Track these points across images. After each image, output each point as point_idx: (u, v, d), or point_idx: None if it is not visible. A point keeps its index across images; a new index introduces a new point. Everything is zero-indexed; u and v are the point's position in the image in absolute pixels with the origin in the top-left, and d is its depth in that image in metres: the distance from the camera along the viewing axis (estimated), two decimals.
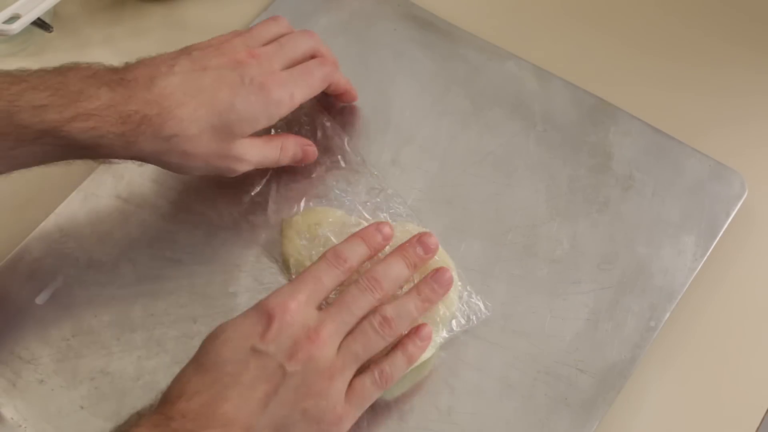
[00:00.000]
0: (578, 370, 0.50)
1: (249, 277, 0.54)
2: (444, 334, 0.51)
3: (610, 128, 0.59)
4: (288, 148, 0.55)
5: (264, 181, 0.58)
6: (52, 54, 0.66)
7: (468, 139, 0.59)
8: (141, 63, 0.50)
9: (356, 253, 0.49)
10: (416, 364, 0.49)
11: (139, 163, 0.59)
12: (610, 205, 0.56)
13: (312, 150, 0.57)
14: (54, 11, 0.67)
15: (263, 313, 0.45)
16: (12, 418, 0.50)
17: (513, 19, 0.68)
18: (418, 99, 0.61)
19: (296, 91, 0.53)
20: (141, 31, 0.69)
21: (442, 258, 0.53)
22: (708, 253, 0.54)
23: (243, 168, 0.53)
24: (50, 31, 0.65)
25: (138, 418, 0.45)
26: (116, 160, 0.50)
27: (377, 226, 0.50)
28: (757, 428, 0.50)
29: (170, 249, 0.56)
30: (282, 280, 0.54)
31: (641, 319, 0.51)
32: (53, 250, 0.56)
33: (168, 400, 0.43)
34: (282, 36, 0.56)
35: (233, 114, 0.50)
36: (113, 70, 0.49)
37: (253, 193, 0.57)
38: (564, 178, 0.57)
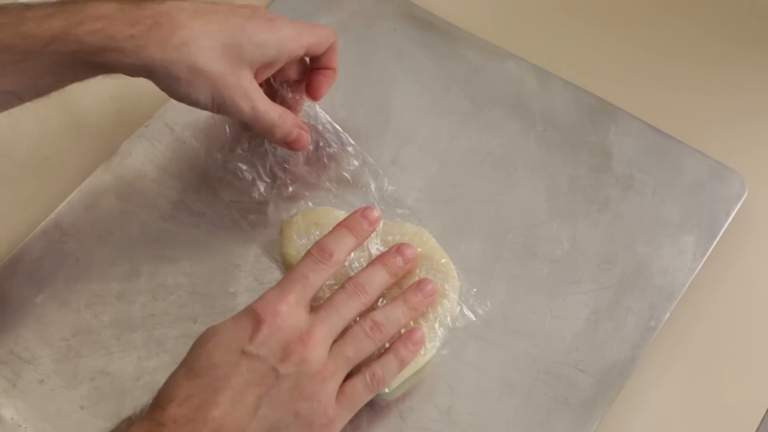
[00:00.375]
0: (578, 370, 0.50)
1: (249, 277, 0.54)
2: (443, 332, 0.51)
3: (610, 128, 0.59)
4: (287, 120, 0.53)
5: (265, 181, 0.58)
6: None
7: (468, 139, 0.59)
8: None
9: (343, 244, 0.48)
10: (416, 368, 0.49)
11: (141, 164, 0.59)
12: (610, 205, 0.56)
13: (305, 137, 0.55)
14: None
15: (253, 316, 0.45)
16: (12, 418, 0.50)
17: (513, 19, 0.68)
18: (418, 99, 0.61)
19: (305, 33, 0.52)
20: None
21: (441, 257, 0.53)
22: (708, 253, 0.54)
23: (246, 107, 0.50)
24: None
25: (129, 424, 0.44)
26: (124, 76, 0.49)
27: (362, 212, 0.50)
28: (757, 428, 0.50)
29: (170, 249, 0.56)
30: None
31: (641, 319, 0.51)
32: (53, 250, 0.56)
33: (159, 405, 0.43)
34: None
35: (244, 36, 0.49)
36: None
37: (253, 194, 0.57)
38: (564, 178, 0.57)
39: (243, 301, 0.53)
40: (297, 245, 0.54)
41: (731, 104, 0.62)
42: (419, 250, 0.52)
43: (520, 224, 0.55)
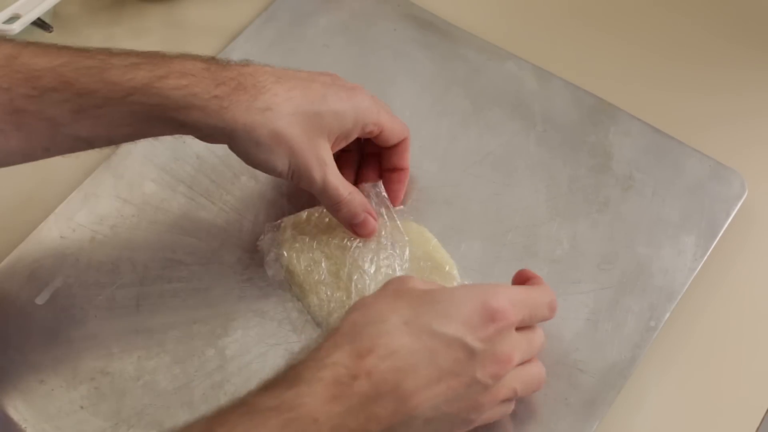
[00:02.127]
0: (578, 370, 0.50)
1: (248, 276, 0.54)
2: None
3: (610, 128, 0.59)
4: (354, 200, 0.51)
5: (262, 178, 0.58)
6: None
7: (468, 139, 0.59)
8: None
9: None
10: None
11: (140, 164, 0.59)
12: (610, 205, 0.56)
13: (372, 223, 0.52)
14: (54, 11, 0.67)
15: (486, 310, 0.43)
16: (12, 418, 0.50)
17: (513, 19, 0.68)
18: (418, 99, 0.61)
19: (383, 111, 0.52)
20: (141, 31, 0.69)
21: (443, 257, 0.53)
22: (708, 253, 0.54)
23: (318, 177, 0.49)
24: (50, 31, 0.65)
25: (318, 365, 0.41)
26: (198, 140, 0.48)
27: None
28: (757, 428, 0.50)
29: (170, 249, 0.56)
30: (281, 279, 0.54)
31: (641, 319, 0.51)
32: (53, 250, 0.56)
33: (357, 350, 0.40)
34: None
35: (324, 104, 0.49)
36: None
37: (252, 193, 0.57)
38: (564, 178, 0.57)
39: (243, 301, 0.53)
40: (296, 246, 0.54)
41: (731, 104, 0.62)
42: (421, 249, 0.52)
43: (520, 224, 0.55)
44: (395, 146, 0.54)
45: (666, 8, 0.67)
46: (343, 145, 0.52)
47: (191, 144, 0.60)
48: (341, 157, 0.54)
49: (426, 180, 0.58)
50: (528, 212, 0.56)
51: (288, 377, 0.40)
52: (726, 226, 0.54)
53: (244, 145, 0.48)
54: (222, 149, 0.59)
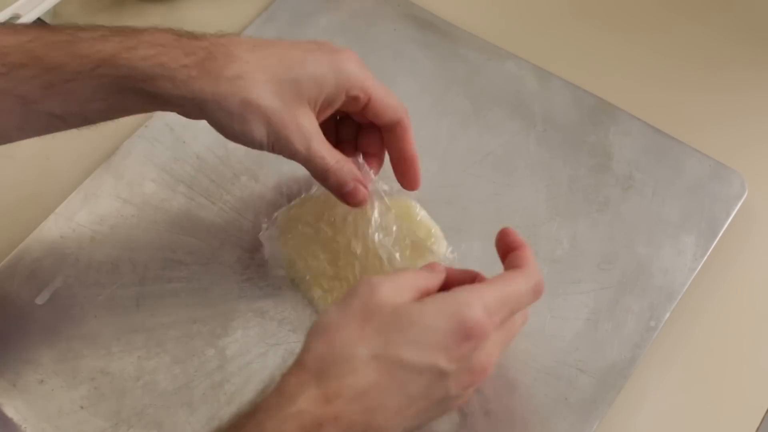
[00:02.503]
0: (578, 370, 0.50)
1: (248, 276, 0.54)
2: None
3: (610, 128, 0.59)
4: (343, 168, 0.48)
5: (262, 178, 0.58)
6: None
7: (468, 139, 0.59)
8: None
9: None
10: None
11: (141, 163, 0.59)
12: (610, 205, 0.56)
13: (362, 192, 0.49)
14: (54, 11, 0.67)
15: (462, 328, 0.40)
16: (12, 418, 0.50)
17: (513, 19, 0.68)
18: (418, 99, 0.61)
19: (371, 78, 0.49)
20: None
21: (426, 231, 0.53)
22: (708, 253, 0.54)
23: (301, 146, 0.47)
24: None
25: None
26: (197, 140, 0.47)
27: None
28: (757, 428, 0.50)
29: (170, 249, 0.56)
30: (282, 278, 0.54)
31: (641, 319, 0.51)
32: (53, 250, 0.56)
33: (326, 394, 0.38)
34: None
35: (302, 70, 0.46)
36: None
37: (252, 193, 0.57)
38: (564, 178, 0.57)
39: (243, 301, 0.53)
40: (294, 241, 0.53)
41: (731, 104, 0.62)
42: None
43: (520, 224, 0.55)
44: (393, 129, 0.51)
45: (666, 8, 0.67)
46: (329, 112, 0.50)
47: (191, 144, 0.60)
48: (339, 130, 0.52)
49: (426, 180, 0.57)
50: (528, 212, 0.56)
51: (249, 428, 0.38)
52: (726, 226, 0.54)
53: (218, 117, 0.46)
54: (222, 149, 0.59)
